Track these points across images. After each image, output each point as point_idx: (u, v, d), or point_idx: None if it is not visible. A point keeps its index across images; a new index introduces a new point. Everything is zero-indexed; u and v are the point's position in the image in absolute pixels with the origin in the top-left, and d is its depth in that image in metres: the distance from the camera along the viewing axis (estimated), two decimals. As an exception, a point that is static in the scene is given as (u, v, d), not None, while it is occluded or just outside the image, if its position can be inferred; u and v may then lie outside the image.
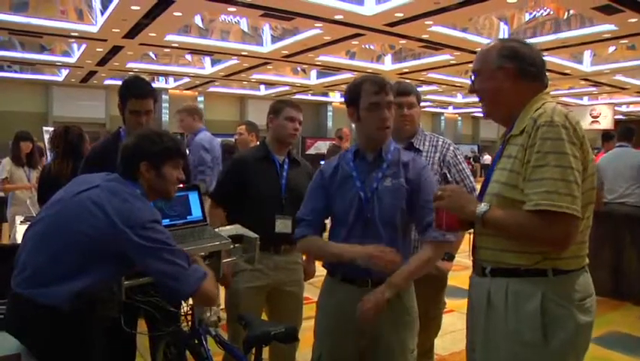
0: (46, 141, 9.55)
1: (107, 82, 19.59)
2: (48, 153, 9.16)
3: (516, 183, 1.64)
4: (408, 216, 2.21)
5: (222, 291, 2.99)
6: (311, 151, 24.60)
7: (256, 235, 2.43)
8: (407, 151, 2.39)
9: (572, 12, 11.54)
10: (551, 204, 1.52)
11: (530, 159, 1.60)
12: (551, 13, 11.86)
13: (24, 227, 4.53)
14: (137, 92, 2.74)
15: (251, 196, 2.77)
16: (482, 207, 1.67)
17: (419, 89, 2.92)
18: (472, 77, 1.86)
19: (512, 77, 1.74)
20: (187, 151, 4.75)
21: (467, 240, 2.85)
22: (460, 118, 33.37)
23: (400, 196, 2.18)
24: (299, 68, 18.95)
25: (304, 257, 2.97)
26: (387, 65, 16.37)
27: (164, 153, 2.04)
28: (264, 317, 2.95)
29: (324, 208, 2.29)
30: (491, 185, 1.76)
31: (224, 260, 2.41)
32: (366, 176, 2.21)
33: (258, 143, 5.23)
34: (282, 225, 2.76)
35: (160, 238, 1.86)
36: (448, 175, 2.78)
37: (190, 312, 2.42)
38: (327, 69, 17.50)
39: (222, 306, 3.28)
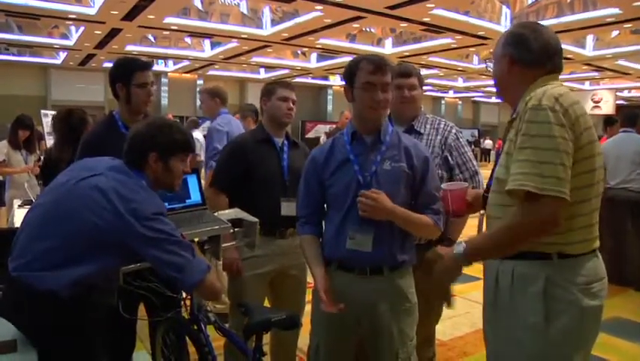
0: (44, 124, 9.49)
1: (106, 65, 19.52)
2: (46, 137, 9.12)
3: (510, 165, 1.65)
4: (407, 201, 2.16)
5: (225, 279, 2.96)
6: (311, 135, 24.56)
7: (256, 219, 2.39)
8: (407, 135, 2.34)
9: (575, -5, 11.44)
10: (534, 187, 1.53)
11: (517, 141, 1.62)
12: (554, -4, 11.76)
13: (22, 211, 4.52)
14: (140, 64, 2.74)
15: (254, 180, 2.71)
16: (459, 248, 1.73)
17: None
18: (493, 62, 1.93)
19: (511, 62, 1.78)
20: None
21: (469, 225, 2.82)
22: (460, 102, 33.32)
23: (401, 180, 2.13)
24: (299, 51, 18.87)
25: None
26: (388, 49, 16.27)
27: (173, 145, 2.00)
28: (267, 302, 2.92)
29: (321, 199, 2.25)
30: (497, 169, 1.78)
31: (224, 244, 2.37)
32: (364, 159, 2.15)
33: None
34: (288, 208, 2.71)
35: (164, 229, 1.83)
36: (450, 159, 2.72)
37: (189, 298, 2.40)
38: (327, 52, 17.42)
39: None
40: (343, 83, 2.20)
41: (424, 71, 2.58)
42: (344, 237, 2.11)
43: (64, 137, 3.80)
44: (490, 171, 1.89)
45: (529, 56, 1.75)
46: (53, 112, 10.12)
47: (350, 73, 2.14)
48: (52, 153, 3.91)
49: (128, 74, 2.70)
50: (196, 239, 2.22)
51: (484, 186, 2.09)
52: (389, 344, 2.13)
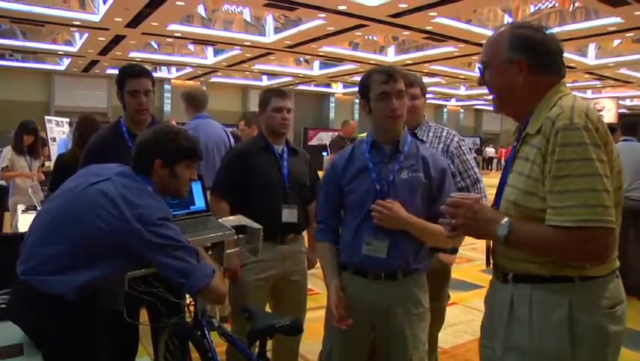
0: (48, 130, 9.52)
1: (109, 71, 19.60)
2: (50, 143, 9.15)
3: (534, 190, 1.50)
4: (423, 210, 2.15)
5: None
6: (313, 142, 24.54)
7: (259, 226, 2.40)
8: (425, 145, 2.35)
9: (577, 4, 11.47)
10: (580, 220, 1.38)
11: (551, 169, 1.44)
12: (556, 5, 11.79)
13: (26, 216, 4.54)
14: (132, 71, 2.72)
15: (255, 187, 2.74)
16: (502, 228, 1.50)
17: (420, 81, 2.89)
18: (481, 68, 1.67)
19: (525, 71, 1.55)
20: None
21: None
22: (462, 110, 33.32)
23: (417, 190, 2.14)
24: (302, 59, 18.91)
25: (307, 245, 2.96)
26: (391, 57, 16.32)
27: (179, 152, 2.02)
28: (267, 308, 2.94)
29: (339, 204, 2.27)
30: (508, 189, 1.61)
31: (228, 251, 2.39)
32: (382, 167, 2.17)
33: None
34: (289, 214, 2.76)
35: (170, 235, 1.85)
36: (452, 166, 2.74)
37: (193, 303, 2.41)
38: (330, 60, 17.46)
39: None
40: (360, 98, 2.23)
41: (426, 79, 2.59)
42: (360, 242, 2.13)
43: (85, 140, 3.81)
44: (492, 180, 1.83)
45: (548, 60, 1.56)
46: (57, 118, 10.19)
47: (364, 87, 2.17)
48: (68, 156, 3.90)
49: (122, 81, 2.71)
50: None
51: (486, 195, 2.08)
52: (403, 348, 2.14)
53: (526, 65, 1.55)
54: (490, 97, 1.71)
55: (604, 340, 1.51)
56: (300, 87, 23.35)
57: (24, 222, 4.22)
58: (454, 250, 2.80)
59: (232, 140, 4.51)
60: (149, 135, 2.03)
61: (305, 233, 2.96)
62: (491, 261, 1.74)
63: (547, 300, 1.52)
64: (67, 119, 9.71)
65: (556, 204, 1.43)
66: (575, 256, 1.47)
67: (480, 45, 1.78)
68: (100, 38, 14.00)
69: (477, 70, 1.74)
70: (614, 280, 1.56)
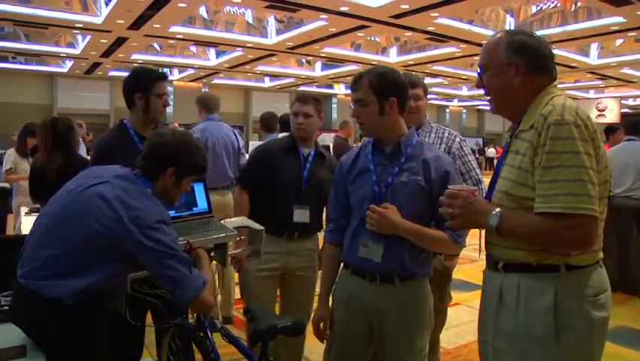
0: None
1: (112, 73, 19.62)
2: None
3: (525, 181, 1.60)
4: (424, 214, 2.11)
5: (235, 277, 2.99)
6: (315, 143, 24.52)
7: (262, 227, 2.42)
8: (432, 148, 2.30)
9: (579, 4, 11.46)
10: (566, 207, 1.48)
11: (542, 160, 1.54)
12: (558, 5, 11.78)
13: (29, 218, 4.54)
14: (159, 75, 2.79)
15: (273, 185, 2.83)
16: (494, 218, 1.61)
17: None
18: (479, 72, 1.77)
19: (523, 72, 1.66)
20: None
21: (474, 233, 2.83)
22: (465, 111, 33.30)
23: (416, 194, 2.09)
24: (304, 60, 18.93)
25: (321, 245, 2.98)
26: (393, 58, 16.32)
27: (193, 167, 2.05)
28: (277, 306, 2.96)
29: (347, 205, 2.26)
30: (500, 181, 1.71)
31: (231, 252, 2.40)
32: (383, 169, 2.14)
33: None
34: (300, 215, 2.81)
35: (164, 241, 1.83)
36: (454, 167, 2.76)
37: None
38: (332, 61, 17.46)
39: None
40: None
41: (428, 80, 2.60)
42: (357, 244, 2.13)
43: (51, 145, 3.78)
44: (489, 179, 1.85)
45: (544, 63, 1.68)
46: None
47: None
48: (38, 162, 3.83)
49: (148, 84, 2.72)
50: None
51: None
52: (396, 352, 2.13)
53: (524, 67, 1.67)
54: (489, 99, 1.80)
55: (588, 326, 1.58)
56: (303, 88, 23.37)
57: (27, 224, 4.22)
58: (456, 250, 2.80)
59: (241, 141, 4.57)
60: (170, 141, 2.02)
61: (320, 234, 2.97)
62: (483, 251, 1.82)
63: (533, 287, 1.61)
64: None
65: (544, 192, 1.53)
66: (560, 243, 1.56)
67: (482, 45, 1.82)
68: (102, 40, 14.03)
69: (477, 72, 1.81)
70: (597, 270, 1.65)
